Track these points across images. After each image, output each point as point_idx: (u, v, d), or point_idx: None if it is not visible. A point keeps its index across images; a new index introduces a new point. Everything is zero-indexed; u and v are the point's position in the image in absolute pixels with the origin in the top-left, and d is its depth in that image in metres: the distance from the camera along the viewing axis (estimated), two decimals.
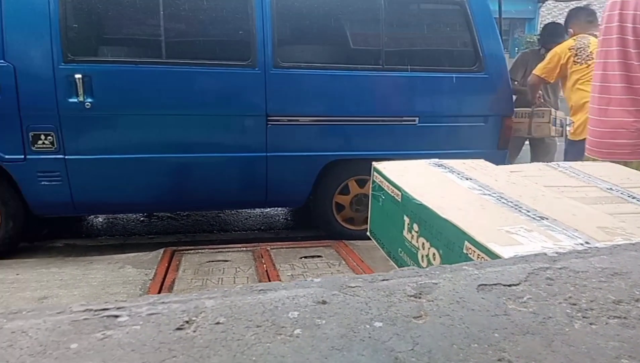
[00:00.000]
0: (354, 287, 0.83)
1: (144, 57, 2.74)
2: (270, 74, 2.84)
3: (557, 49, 3.27)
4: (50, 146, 2.64)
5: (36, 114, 2.59)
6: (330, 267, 2.73)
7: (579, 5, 3.71)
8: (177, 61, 2.74)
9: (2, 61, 2.51)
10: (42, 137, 2.62)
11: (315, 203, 3.23)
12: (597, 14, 3.37)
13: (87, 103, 2.61)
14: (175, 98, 2.77)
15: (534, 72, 3.38)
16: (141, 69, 2.70)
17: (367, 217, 3.19)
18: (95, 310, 0.67)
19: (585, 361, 0.67)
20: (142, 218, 3.85)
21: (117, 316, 0.67)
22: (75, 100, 2.60)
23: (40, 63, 2.55)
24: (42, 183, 2.69)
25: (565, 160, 3.07)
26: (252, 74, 2.82)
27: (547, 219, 1.30)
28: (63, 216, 3.28)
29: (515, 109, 3.48)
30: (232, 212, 4.02)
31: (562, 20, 3.72)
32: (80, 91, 2.59)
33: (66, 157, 2.67)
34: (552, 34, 3.86)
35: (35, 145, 2.62)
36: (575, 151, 3.11)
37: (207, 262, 2.72)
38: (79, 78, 2.57)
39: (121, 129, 2.76)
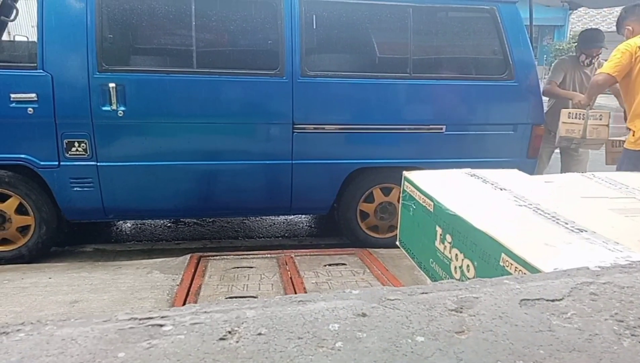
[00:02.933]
0: (393, 300, 0.82)
1: (176, 66, 2.79)
2: (298, 82, 2.85)
3: (626, 46, 2.97)
4: (84, 153, 2.70)
5: (71, 122, 2.66)
6: (354, 275, 2.71)
7: (634, 3, 3.43)
8: (208, 70, 2.78)
9: (41, 71, 2.60)
10: (76, 144, 2.69)
11: (340, 210, 3.23)
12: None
13: (119, 111, 2.67)
14: (205, 107, 2.81)
15: (602, 70, 3.03)
16: (172, 78, 2.75)
17: (392, 225, 3.19)
18: (140, 319, 0.67)
19: None
20: (168, 224, 3.90)
21: (161, 325, 0.67)
22: (109, 108, 2.66)
23: (76, 73, 2.62)
24: (75, 188, 2.75)
25: (620, 170, 2.89)
26: (279, 82, 2.85)
27: (586, 231, 1.26)
28: (93, 221, 3.35)
29: (569, 110, 3.34)
30: (257, 219, 4.05)
31: (591, 27, 3.57)
32: (114, 99, 2.65)
33: (98, 164, 2.73)
34: (592, 40, 3.72)
35: (69, 152, 2.69)
36: (635, 160, 2.92)
37: (233, 268, 2.74)
38: (112, 87, 2.63)
39: (152, 137, 2.81)
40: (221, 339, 0.66)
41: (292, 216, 4.09)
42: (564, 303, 0.85)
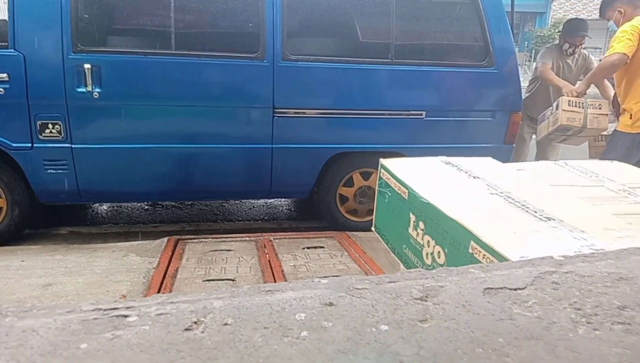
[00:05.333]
0: (360, 289, 0.83)
1: (153, 48, 2.73)
2: (279, 66, 2.83)
3: (633, 28, 2.87)
4: (58, 134, 2.65)
5: (44, 103, 2.60)
6: (332, 258, 2.74)
7: None
8: (186, 52, 2.73)
9: (12, 50, 2.51)
10: (50, 126, 2.63)
11: (319, 194, 3.24)
12: None
13: (95, 93, 2.62)
14: (183, 89, 2.77)
15: (615, 51, 2.88)
16: (150, 59, 2.69)
17: (370, 209, 3.22)
18: (105, 310, 0.67)
19: None
20: (146, 207, 3.86)
21: (126, 316, 0.67)
22: (84, 90, 2.60)
23: (50, 53, 2.55)
24: (49, 171, 2.70)
25: (609, 156, 2.83)
26: (260, 66, 2.82)
27: (553, 220, 1.30)
28: (68, 203, 3.30)
29: (568, 98, 3.31)
30: (236, 202, 4.04)
31: (573, 15, 3.59)
32: (89, 80, 2.59)
33: (73, 146, 2.68)
34: (576, 29, 3.74)
35: (43, 134, 2.63)
36: (630, 144, 2.90)
37: (211, 251, 2.74)
38: (88, 68, 2.57)
39: (129, 119, 2.76)
40: (186, 330, 0.66)
41: (272, 200, 4.09)
42: (526, 292, 0.87)
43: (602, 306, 0.84)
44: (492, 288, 0.87)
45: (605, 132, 3.38)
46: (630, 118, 2.94)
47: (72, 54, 2.57)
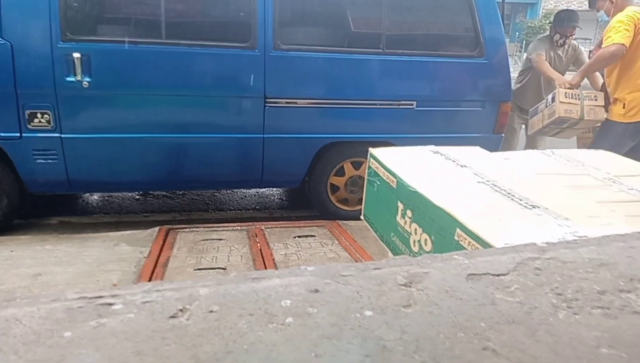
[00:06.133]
0: (346, 276, 0.84)
1: (144, 37, 2.70)
2: (270, 56, 2.81)
3: (628, 18, 2.85)
4: (47, 124, 2.62)
5: (33, 92, 2.56)
6: (323, 246, 2.75)
7: None
8: (177, 41, 2.71)
9: None
10: (39, 115, 2.60)
11: (311, 184, 3.25)
12: None
13: (84, 82, 2.59)
14: (173, 78, 2.75)
15: (614, 41, 2.85)
16: (140, 49, 2.66)
17: (361, 198, 3.23)
18: (90, 298, 0.68)
19: (567, 350, 0.69)
20: (137, 196, 3.85)
21: (111, 304, 0.67)
22: (73, 79, 2.57)
23: (38, 41, 2.51)
24: (38, 161, 2.68)
25: (599, 146, 2.77)
26: (251, 55, 2.80)
27: (538, 207, 1.31)
28: (58, 193, 3.28)
29: (565, 90, 3.29)
30: (228, 191, 4.03)
31: (564, 6, 3.59)
32: (78, 70, 2.56)
33: (62, 135, 2.66)
34: (567, 20, 3.74)
35: (32, 123, 2.60)
36: (622, 133, 2.90)
37: (202, 240, 2.74)
38: (77, 57, 2.54)
39: (118, 109, 2.74)
40: (172, 317, 0.67)
41: (263, 189, 4.10)
42: (508, 278, 0.89)
43: (582, 291, 0.86)
44: (475, 274, 0.88)
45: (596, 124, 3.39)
46: (624, 108, 2.96)
47: (61, 42, 2.53)
